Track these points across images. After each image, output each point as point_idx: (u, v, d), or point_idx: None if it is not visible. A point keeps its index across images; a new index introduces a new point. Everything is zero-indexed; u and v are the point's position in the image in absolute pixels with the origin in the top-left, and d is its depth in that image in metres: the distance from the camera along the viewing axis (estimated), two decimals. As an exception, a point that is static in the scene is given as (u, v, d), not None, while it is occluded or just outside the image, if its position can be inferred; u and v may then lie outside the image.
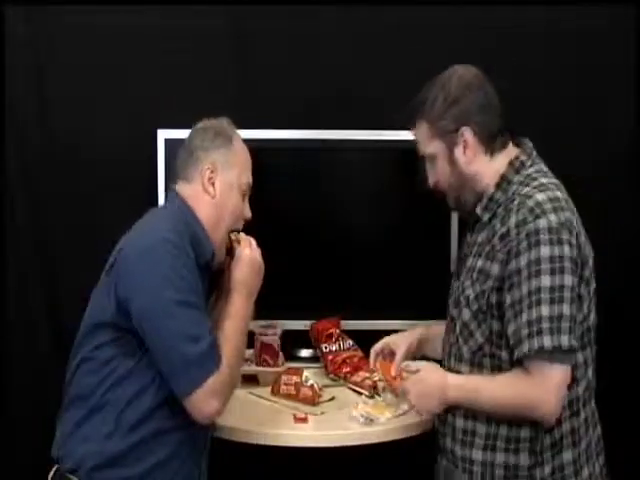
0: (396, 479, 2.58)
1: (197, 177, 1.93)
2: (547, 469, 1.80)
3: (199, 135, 1.97)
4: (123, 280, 1.78)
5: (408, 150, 2.51)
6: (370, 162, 2.55)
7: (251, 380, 2.30)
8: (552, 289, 1.70)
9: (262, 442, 2.01)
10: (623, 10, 2.60)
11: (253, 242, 1.97)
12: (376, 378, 2.24)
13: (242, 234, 1.98)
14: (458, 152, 1.85)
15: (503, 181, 1.84)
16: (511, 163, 1.85)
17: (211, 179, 1.93)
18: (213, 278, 1.97)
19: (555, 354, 1.70)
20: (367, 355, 2.38)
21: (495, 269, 1.78)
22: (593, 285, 1.81)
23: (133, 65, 2.59)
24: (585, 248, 1.78)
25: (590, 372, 1.84)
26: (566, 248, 1.72)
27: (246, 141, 2.33)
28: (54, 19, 2.59)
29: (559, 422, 1.79)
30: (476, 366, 1.83)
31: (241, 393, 2.21)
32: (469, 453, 1.83)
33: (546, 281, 1.70)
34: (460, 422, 1.85)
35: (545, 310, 1.70)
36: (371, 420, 2.05)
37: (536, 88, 2.58)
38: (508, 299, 1.75)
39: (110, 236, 1.93)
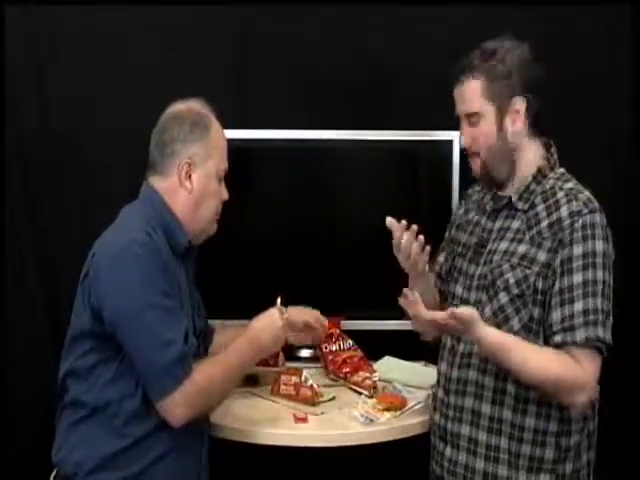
0: (396, 479, 2.58)
1: (173, 171, 1.90)
2: (569, 467, 1.82)
3: (174, 127, 1.91)
4: (95, 287, 1.78)
5: (408, 150, 2.54)
6: (370, 162, 2.55)
7: (251, 380, 2.30)
8: (604, 283, 1.75)
9: (262, 442, 2.01)
10: (619, 11, 2.61)
11: (286, 317, 1.98)
12: (376, 378, 2.25)
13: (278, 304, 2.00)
14: (507, 120, 1.86)
15: (539, 174, 1.88)
16: (547, 159, 1.90)
17: (188, 173, 1.90)
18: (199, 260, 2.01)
19: (603, 346, 1.74)
20: (367, 355, 2.39)
21: (542, 256, 1.80)
22: None
23: (133, 65, 2.59)
24: None
25: None
26: (610, 247, 1.79)
27: (246, 141, 2.33)
28: (54, 19, 2.59)
29: (584, 421, 1.83)
30: None
31: (241, 393, 2.21)
32: (496, 441, 1.83)
33: (600, 275, 1.75)
34: (487, 408, 1.85)
35: (600, 303, 1.74)
36: (371, 420, 2.05)
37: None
38: (557, 285, 1.77)
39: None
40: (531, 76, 1.86)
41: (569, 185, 1.85)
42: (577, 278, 1.75)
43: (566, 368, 1.74)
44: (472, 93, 1.86)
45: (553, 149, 1.92)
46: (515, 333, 1.80)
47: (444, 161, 2.48)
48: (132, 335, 1.75)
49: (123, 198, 1.96)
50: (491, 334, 1.75)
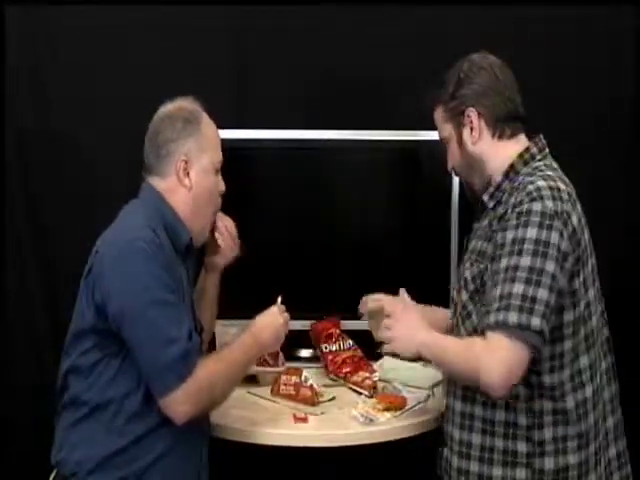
0: (396, 479, 2.58)
1: (171, 171, 1.92)
2: (548, 463, 1.78)
3: (167, 126, 1.93)
4: (99, 284, 1.78)
5: (408, 150, 2.54)
6: (370, 162, 2.54)
7: (251, 380, 2.30)
8: (531, 270, 1.69)
9: (262, 442, 2.01)
10: (619, 11, 2.61)
11: (286, 315, 2.01)
12: (376, 378, 2.25)
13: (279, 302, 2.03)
14: (465, 133, 1.90)
15: (511, 171, 1.87)
16: (521, 155, 1.88)
17: (186, 170, 1.91)
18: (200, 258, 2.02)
19: (518, 332, 1.67)
20: (367, 355, 2.39)
21: (490, 249, 1.80)
22: (597, 283, 1.84)
23: (133, 65, 2.60)
24: (584, 245, 1.78)
25: (585, 360, 1.81)
26: (554, 235, 1.71)
27: (245, 141, 2.33)
28: (54, 19, 2.59)
29: (559, 414, 1.79)
30: None
31: (241, 393, 2.21)
32: (467, 437, 1.84)
33: (526, 261, 1.70)
34: (458, 405, 1.86)
35: (518, 288, 1.68)
36: (371, 420, 2.05)
37: (535, 88, 2.58)
38: (489, 272, 1.77)
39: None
40: (481, 84, 1.88)
41: (531, 178, 1.81)
42: (501, 264, 1.72)
43: (469, 356, 1.72)
44: (438, 120, 1.97)
45: (531, 144, 1.89)
46: (475, 328, 1.80)
47: (444, 161, 2.47)
48: (136, 332, 1.75)
49: (123, 198, 1.96)
50: (418, 339, 1.82)
